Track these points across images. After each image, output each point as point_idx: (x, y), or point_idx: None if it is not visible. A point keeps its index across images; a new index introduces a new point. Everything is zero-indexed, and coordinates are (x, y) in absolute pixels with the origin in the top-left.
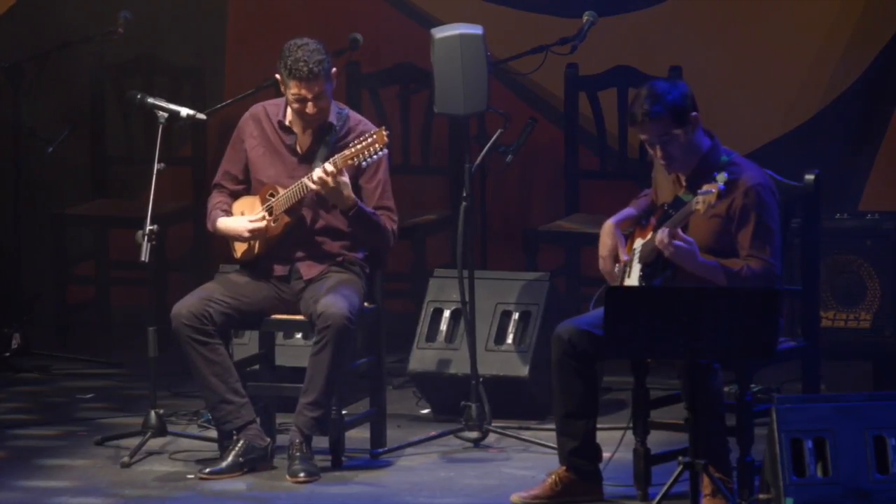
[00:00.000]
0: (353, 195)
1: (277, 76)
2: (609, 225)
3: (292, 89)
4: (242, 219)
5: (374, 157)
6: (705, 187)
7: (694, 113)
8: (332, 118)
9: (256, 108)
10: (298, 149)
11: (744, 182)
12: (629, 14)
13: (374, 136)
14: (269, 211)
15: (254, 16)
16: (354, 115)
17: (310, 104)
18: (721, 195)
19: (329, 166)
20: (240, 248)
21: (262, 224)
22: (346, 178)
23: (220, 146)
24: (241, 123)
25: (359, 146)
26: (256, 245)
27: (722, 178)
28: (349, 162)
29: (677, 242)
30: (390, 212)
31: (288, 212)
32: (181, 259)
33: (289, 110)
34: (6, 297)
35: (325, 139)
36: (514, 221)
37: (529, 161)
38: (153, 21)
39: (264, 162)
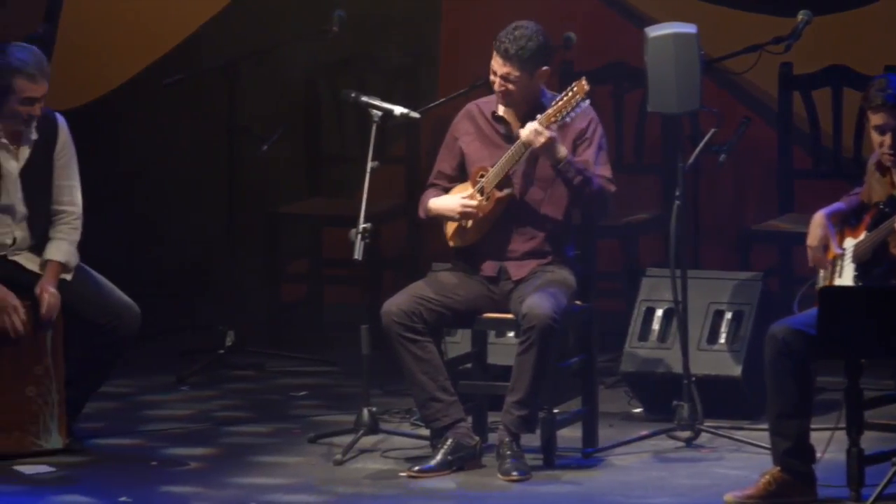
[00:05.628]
0: (564, 148)
1: None
2: (820, 216)
3: (492, 60)
4: (454, 196)
5: (578, 108)
6: None
7: None
8: (546, 101)
9: (470, 106)
10: (514, 136)
11: None
12: (844, 13)
13: (575, 89)
14: (481, 191)
15: (468, 15)
16: None
17: (498, 80)
18: None
19: (534, 123)
20: (452, 228)
21: (474, 202)
22: (553, 133)
23: (434, 144)
24: (454, 122)
25: (560, 102)
26: (471, 230)
27: None
28: (553, 119)
29: None
30: (606, 179)
31: (498, 186)
32: (395, 257)
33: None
34: (221, 295)
35: None
36: (726, 221)
37: (743, 160)
38: (367, 20)
39: (481, 154)
